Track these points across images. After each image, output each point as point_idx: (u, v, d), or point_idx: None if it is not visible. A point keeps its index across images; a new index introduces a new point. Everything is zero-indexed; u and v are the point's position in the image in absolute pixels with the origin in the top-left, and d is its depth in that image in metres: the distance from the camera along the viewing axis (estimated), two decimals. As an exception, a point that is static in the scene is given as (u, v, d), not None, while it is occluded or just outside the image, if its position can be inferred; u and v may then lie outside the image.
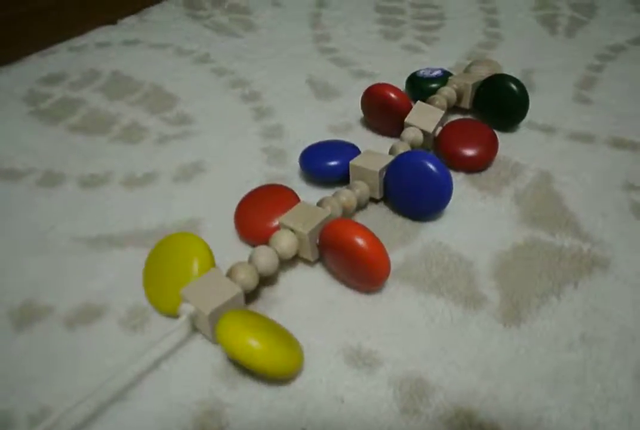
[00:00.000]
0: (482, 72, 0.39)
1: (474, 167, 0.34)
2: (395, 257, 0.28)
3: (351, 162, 0.30)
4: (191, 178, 0.35)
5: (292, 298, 0.26)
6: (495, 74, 0.37)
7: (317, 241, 0.27)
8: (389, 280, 0.26)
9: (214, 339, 0.24)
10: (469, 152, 0.33)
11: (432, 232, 0.30)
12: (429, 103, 0.35)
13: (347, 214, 0.29)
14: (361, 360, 0.23)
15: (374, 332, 0.25)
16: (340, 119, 0.40)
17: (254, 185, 0.32)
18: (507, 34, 0.52)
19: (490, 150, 0.34)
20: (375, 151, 0.31)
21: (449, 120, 0.36)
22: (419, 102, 0.35)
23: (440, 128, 0.35)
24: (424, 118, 0.34)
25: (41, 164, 0.37)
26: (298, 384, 0.22)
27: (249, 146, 0.37)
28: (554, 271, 0.27)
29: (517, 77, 0.37)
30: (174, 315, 0.24)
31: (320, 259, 0.28)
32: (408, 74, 0.42)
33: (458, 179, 0.34)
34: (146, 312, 0.26)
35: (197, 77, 0.46)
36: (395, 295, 0.26)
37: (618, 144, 0.37)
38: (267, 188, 0.31)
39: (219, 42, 0.52)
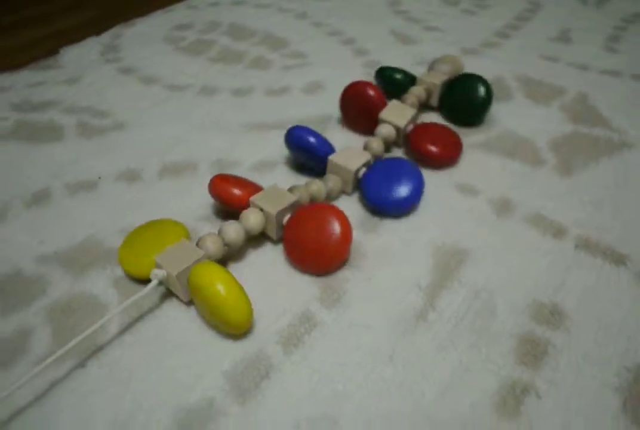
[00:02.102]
0: (445, 69, 0.41)
1: (441, 163, 0.36)
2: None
3: (330, 158, 0.33)
4: (316, 92, 0.46)
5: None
6: (462, 74, 0.41)
7: (283, 222, 0.29)
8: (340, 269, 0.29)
9: (185, 298, 0.27)
10: (435, 149, 0.36)
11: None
12: (402, 102, 0.38)
13: (315, 202, 0.32)
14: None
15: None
16: (418, 57, 0.51)
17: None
18: (546, 3, 0.64)
19: (455, 148, 0.37)
20: (354, 148, 0.34)
21: (419, 121, 0.39)
22: (393, 100, 0.38)
23: (411, 126, 0.37)
24: (398, 115, 0.37)
25: (196, 80, 0.48)
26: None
27: (354, 73, 0.49)
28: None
29: (555, 35, 0.48)
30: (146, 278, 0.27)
31: (282, 240, 0.30)
32: (470, 31, 0.54)
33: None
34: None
35: (300, 28, 0.58)
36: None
37: (638, 77, 0.48)
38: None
39: (313, 3, 0.64)
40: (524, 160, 0.38)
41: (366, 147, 0.35)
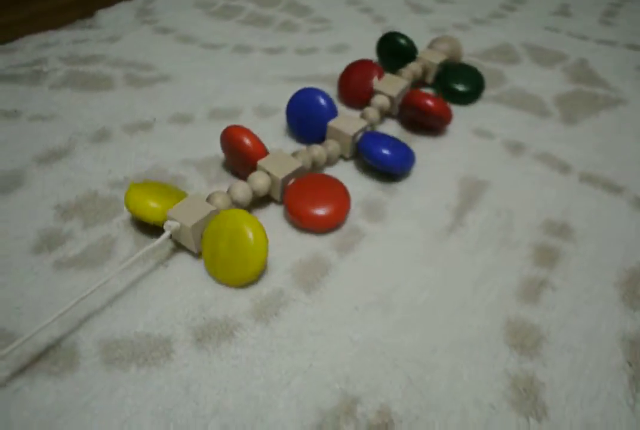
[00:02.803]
0: (444, 48, 0.44)
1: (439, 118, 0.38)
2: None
3: (329, 123, 0.34)
4: (341, 51, 0.51)
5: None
6: (459, 63, 0.44)
7: (287, 185, 0.31)
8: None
9: (196, 250, 0.28)
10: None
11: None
12: (397, 75, 0.41)
13: (316, 167, 0.34)
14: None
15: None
16: (432, 24, 0.56)
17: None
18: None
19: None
20: (351, 115, 0.36)
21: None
22: (387, 74, 0.40)
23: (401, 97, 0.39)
24: (391, 86, 0.39)
25: (230, 40, 0.52)
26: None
27: (376, 36, 0.53)
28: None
29: (555, 9, 0.54)
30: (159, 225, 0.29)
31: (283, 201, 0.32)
32: (479, 3, 0.58)
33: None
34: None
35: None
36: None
37: (631, 47, 0.53)
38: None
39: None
40: (533, 111, 0.43)
41: (363, 116, 0.36)
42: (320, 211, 0.30)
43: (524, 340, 0.26)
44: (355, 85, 0.41)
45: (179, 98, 0.43)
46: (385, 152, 0.34)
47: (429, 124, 0.39)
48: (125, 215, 0.32)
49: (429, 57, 0.43)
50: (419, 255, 0.30)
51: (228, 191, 0.30)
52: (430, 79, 0.44)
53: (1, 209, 0.33)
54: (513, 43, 0.53)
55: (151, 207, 0.28)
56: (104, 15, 0.57)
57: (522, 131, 0.40)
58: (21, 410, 0.23)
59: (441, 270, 0.30)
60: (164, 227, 0.27)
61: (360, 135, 0.35)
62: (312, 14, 0.58)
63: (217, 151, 0.37)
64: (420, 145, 0.39)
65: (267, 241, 0.26)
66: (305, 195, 0.31)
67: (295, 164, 0.31)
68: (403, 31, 0.47)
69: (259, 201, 0.33)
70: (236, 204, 0.30)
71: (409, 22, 0.56)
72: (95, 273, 0.29)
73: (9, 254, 0.30)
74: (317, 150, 0.33)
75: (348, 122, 0.35)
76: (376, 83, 0.39)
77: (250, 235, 0.26)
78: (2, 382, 0.24)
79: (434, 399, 0.24)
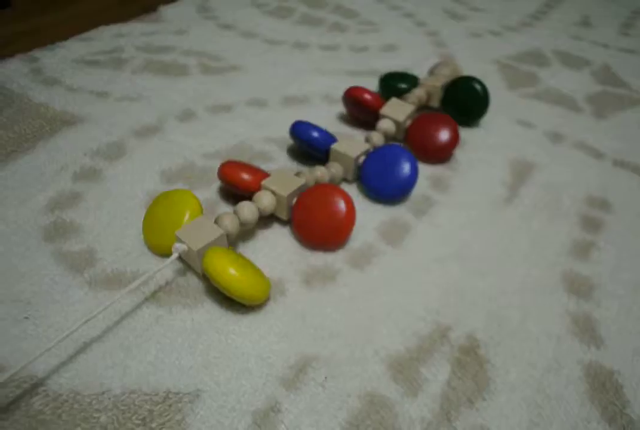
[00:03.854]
0: (445, 72, 0.44)
1: (438, 158, 0.39)
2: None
3: (332, 146, 0.35)
4: (391, 51, 0.56)
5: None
6: (460, 76, 0.43)
7: (292, 204, 0.31)
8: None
9: (203, 272, 0.28)
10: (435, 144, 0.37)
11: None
12: (403, 100, 0.41)
13: None
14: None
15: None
16: (470, 29, 0.62)
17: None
18: None
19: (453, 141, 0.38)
20: (353, 138, 0.36)
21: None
22: (393, 98, 0.40)
23: (409, 121, 0.39)
24: (397, 110, 0.39)
25: (288, 38, 0.57)
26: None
27: (421, 39, 0.59)
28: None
29: (578, 20, 0.60)
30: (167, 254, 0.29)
31: (290, 221, 0.32)
32: (508, 12, 0.64)
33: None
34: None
35: (365, 2, 0.67)
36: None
37: (648, 55, 0.59)
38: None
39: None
40: (567, 107, 0.48)
41: (367, 140, 0.37)
42: (326, 233, 0.31)
43: (579, 287, 0.31)
44: (357, 114, 0.42)
45: (252, 85, 0.48)
46: (376, 182, 0.34)
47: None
48: (219, 183, 0.37)
49: (432, 81, 0.43)
50: (483, 220, 0.35)
51: (235, 212, 0.30)
52: (435, 103, 0.44)
53: (111, 174, 0.37)
54: (543, 48, 0.58)
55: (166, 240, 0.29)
56: (168, 11, 0.61)
57: (559, 123, 0.46)
58: (165, 332, 0.27)
59: (503, 231, 0.35)
60: (172, 249, 0.27)
61: (362, 158, 0.35)
62: (358, 17, 0.63)
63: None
64: (471, 132, 0.44)
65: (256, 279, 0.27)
66: (311, 216, 0.31)
67: (299, 182, 0.31)
68: (444, 35, 0.53)
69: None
70: (244, 225, 0.30)
71: (448, 26, 0.62)
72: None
73: (126, 209, 0.35)
74: (320, 171, 0.34)
75: (351, 145, 0.35)
76: (383, 108, 0.39)
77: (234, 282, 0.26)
78: (146, 311, 0.28)
79: (510, 330, 0.29)
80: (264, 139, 0.41)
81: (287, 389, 0.25)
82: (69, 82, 0.47)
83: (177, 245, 0.27)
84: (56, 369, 0.25)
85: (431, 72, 0.45)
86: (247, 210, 0.29)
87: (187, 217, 0.29)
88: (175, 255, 0.27)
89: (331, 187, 0.32)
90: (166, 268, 0.30)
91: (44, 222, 0.33)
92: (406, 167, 0.35)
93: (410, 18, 0.63)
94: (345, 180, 0.37)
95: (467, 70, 0.52)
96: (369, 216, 0.35)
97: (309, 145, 0.36)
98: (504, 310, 0.29)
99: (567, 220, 0.36)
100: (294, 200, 0.32)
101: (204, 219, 0.28)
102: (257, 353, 0.26)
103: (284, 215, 0.32)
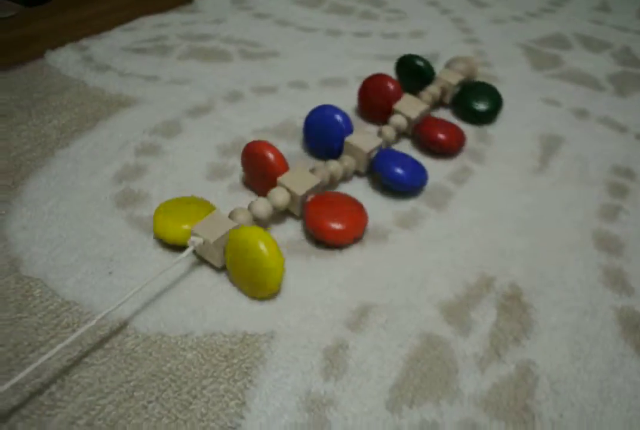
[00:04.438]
0: (461, 68, 0.44)
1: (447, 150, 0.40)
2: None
3: (346, 139, 0.35)
4: (419, 37, 0.59)
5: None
6: (476, 81, 0.45)
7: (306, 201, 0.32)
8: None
9: (219, 264, 0.29)
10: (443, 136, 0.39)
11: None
12: (417, 97, 0.41)
13: (334, 182, 0.35)
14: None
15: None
16: (494, 16, 0.64)
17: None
18: None
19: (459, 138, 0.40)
20: (367, 132, 0.36)
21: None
22: (407, 94, 0.41)
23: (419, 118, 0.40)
24: (411, 107, 0.40)
25: (321, 25, 0.60)
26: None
27: (447, 26, 0.61)
28: None
29: (597, 5, 0.63)
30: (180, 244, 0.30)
31: (302, 216, 0.33)
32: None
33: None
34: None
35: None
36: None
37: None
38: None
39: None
40: (590, 86, 0.51)
41: (379, 134, 0.38)
42: (339, 226, 0.31)
43: (609, 245, 0.34)
44: (373, 102, 0.42)
45: (291, 69, 0.51)
46: (399, 171, 0.35)
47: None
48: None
49: (447, 77, 0.43)
50: (517, 187, 0.38)
51: (249, 207, 0.30)
52: (448, 99, 0.45)
53: (170, 149, 0.40)
54: (565, 32, 0.61)
55: (182, 229, 0.30)
56: (203, 2, 0.64)
57: (584, 101, 0.49)
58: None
59: (535, 197, 0.38)
60: (189, 242, 0.28)
61: (375, 152, 0.36)
62: (386, 5, 0.66)
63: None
64: (501, 110, 0.46)
65: (282, 259, 0.27)
66: (325, 210, 0.32)
67: (314, 181, 0.32)
68: (469, 22, 0.56)
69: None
70: (257, 220, 0.30)
71: (472, 14, 0.64)
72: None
73: (190, 179, 0.38)
74: (334, 166, 0.34)
75: (364, 138, 0.36)
76: (396, 103, 0.40)
77: (265, 251, 0.27)
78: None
79: (549, 280, 0.32)
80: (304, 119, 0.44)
81: (353, 330, 0.28)
82: (120, 67, 0.50)
83: (193, 238, 0.28)
84: (143, 315, 0.29)
85: (447, 65, 0.46)
86: (260, 206, 0.30)
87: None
88: (190, 248, 0.28)
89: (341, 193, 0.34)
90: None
91: (114, 191, 0.36)
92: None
93: (435, 6, 0.66)
94: (357, 173, 0.38)
95: (493, 54, 0.55)
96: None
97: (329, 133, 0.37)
98: (542, 265, 0.32)
99: (595, 187, 0.39)
100: (309, 198, 0.32)
101: (218, 213, 0.29)
102: (321, 301, 0.30)
103: (297, 212, 0.33)
